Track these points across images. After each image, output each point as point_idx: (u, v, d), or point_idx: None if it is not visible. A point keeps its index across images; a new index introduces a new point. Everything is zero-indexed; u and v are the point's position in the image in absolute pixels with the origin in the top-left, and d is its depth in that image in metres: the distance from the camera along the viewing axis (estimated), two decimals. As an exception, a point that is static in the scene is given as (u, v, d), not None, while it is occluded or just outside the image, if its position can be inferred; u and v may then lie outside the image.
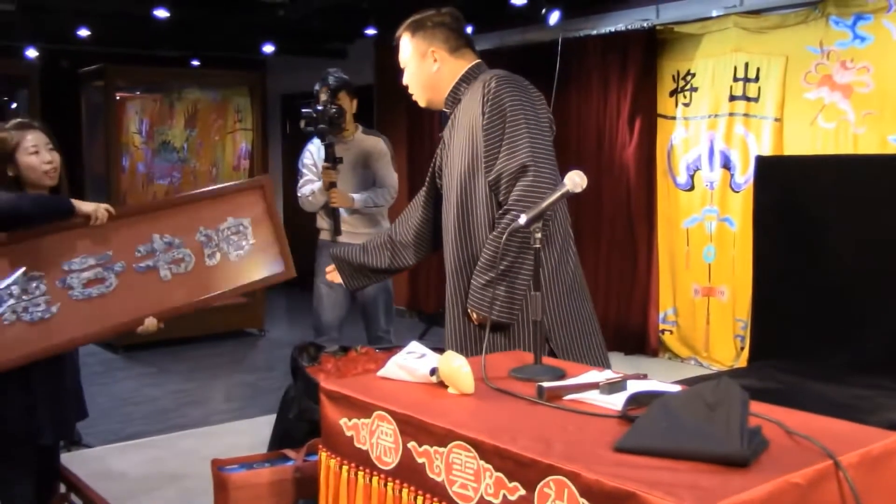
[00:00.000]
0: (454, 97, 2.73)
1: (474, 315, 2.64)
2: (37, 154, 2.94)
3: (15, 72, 7.24)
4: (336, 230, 4.77)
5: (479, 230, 2.66)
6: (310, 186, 4.76)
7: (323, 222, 4.92)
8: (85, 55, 7.76)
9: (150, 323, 2.95)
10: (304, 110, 4.73)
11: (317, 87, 4.78)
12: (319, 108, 4.66)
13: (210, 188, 3.49)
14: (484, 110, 2.57)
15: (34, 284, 2.82)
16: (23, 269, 2.78)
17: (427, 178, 2.99)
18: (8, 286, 2.73)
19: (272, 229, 3.23)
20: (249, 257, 3.17)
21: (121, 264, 2.97)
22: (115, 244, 2.98)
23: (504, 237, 2.37)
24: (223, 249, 3.12)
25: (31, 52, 7.63)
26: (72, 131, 7.83)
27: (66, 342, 2.88)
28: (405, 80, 2.78)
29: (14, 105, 7.20)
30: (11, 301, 2.75)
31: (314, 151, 4.79)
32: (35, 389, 2.88)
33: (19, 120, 3.05)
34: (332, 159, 4.67)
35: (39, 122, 3.10)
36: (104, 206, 2.95)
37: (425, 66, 2.71)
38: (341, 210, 4.76)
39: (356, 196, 4.74)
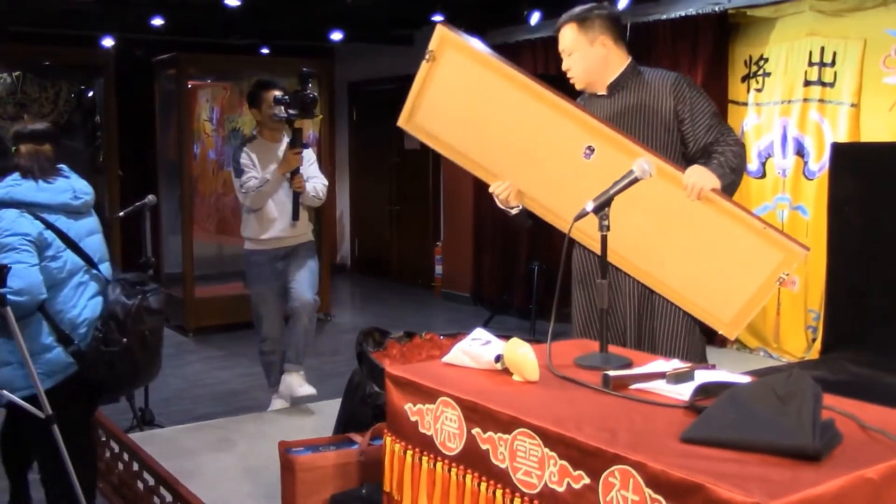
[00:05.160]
0: (617, 85, 2.94)
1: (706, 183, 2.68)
2: None
3: (92, 61, 7.43)
4: (295, 214, 4.74)
5: None
6: (257, 178, 4.70)
7: (251, 229, 4.83)
8: (159, 44, 7.93)
9: None
10: (277, 95, 4.70)
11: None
12: (294, 91, 4.66)
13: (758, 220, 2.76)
14: (678, 107, 2.85)
15: None
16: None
17: None
18: None
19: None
20: None
21: None
22: None
23: (739, 148, 2.81)
24: None
25: (108, 42, 7.82)
26: (146, 119, 8.03)
27: None
28: (566, 66, 2.96)
29: (91, 93, 7.39)
30: None
31: (251, 153, 4.78)
32: None
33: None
34: (300, 144, 4.68)
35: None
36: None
37: (593, 52, 2.91)
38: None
39: (308, 185, 4.78)
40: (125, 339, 2.93)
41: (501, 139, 2.91)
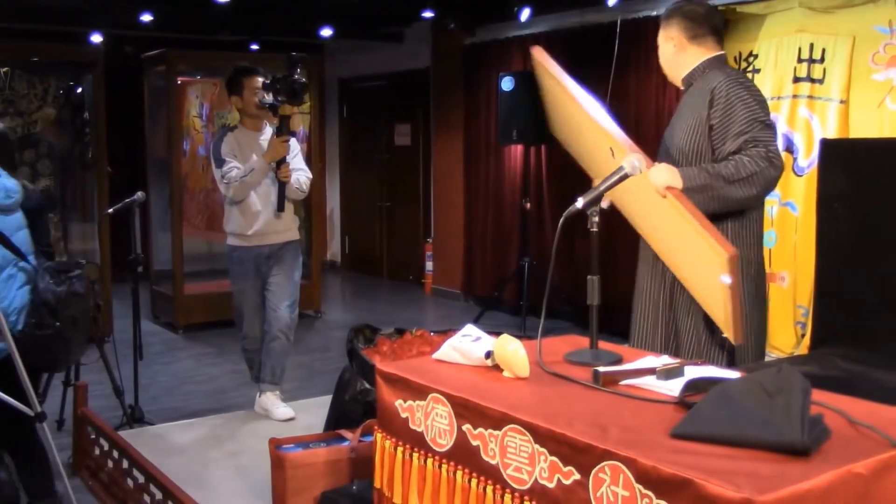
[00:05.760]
0: (689, 80, 3.07)
1: (664, 180, 2.67)
2: None
3: (81, 57, 7.37)
4: (280, 205, 4.59)
5: None
6: (239, 168, 4.53)
7: (235, 223, 4.69)
8: (148, 40, 7.89)
9: None
10: (263, 81, 4.56)
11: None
12: (282, 77, 4.48)
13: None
14: (712, 112, 2.87)
15: None
16: None
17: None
18: None
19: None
20: None
21: None
22: None
23: (752, 160, 2.72)
24: None
25: (96, 38, 7.77)
26: (135, 115, 7.99)
27: None
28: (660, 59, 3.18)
29: (80, 89, 7.35)
30: None
31: (232, 142, 4.64)
32: None
33: None
34: (286, 132, 4.56)
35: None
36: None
37: (666, 48, 3.10)
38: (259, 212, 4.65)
39: (292, 176, 4.62)
40: (58, 323, 3.20)
41: (582, 144, 3.16)
